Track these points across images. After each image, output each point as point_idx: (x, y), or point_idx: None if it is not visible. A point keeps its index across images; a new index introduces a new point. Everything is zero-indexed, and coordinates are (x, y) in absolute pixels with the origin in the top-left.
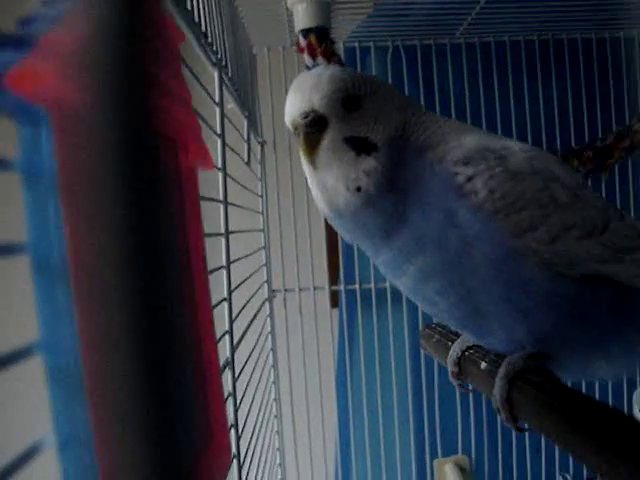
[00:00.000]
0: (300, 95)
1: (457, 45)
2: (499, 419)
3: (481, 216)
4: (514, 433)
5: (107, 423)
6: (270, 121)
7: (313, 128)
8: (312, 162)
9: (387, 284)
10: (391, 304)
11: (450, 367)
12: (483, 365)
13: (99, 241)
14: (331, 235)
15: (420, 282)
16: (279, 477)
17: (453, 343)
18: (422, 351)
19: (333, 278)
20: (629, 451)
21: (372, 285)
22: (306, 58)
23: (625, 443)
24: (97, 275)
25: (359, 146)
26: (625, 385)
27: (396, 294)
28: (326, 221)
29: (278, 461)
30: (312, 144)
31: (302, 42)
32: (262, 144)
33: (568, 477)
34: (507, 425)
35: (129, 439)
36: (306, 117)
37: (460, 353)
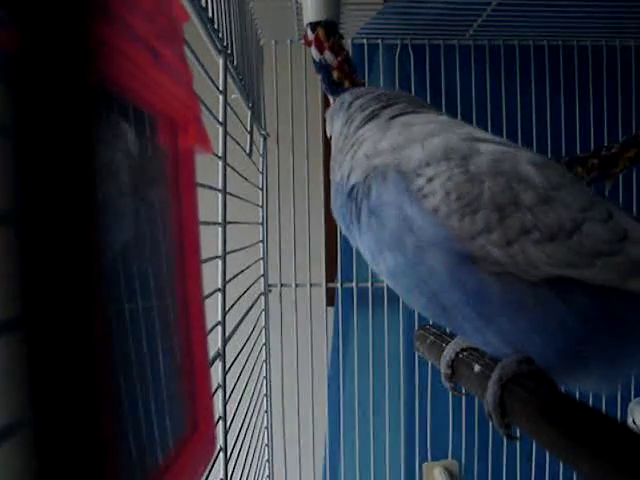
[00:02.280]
0: None
1: (466, 47)
2: (491, 424)
3: (435, 220)
4: (505, 439)
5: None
6: (274, 114)
7: None
8: None
9: (384, 284)
10: (387, 304)
11: (443, 369)
12: (476, 368)
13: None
14: (330, 232)
15: (392, 280)
16: (266, 473)
17: (447, 345)
18: (416, 353)
19: (330, 275)
20: (623, 460)
21: (369, 284)
22: (313, 52)
23: (619, 452)
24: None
25: None
26: (619, 395)
27: (393, 294)
28: (326, 217)
29: (266, 457)
30: None
31: (310, 35)
32: (265, 137)
33: None
34: (499, 431)
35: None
36: None
37: (454, 355)
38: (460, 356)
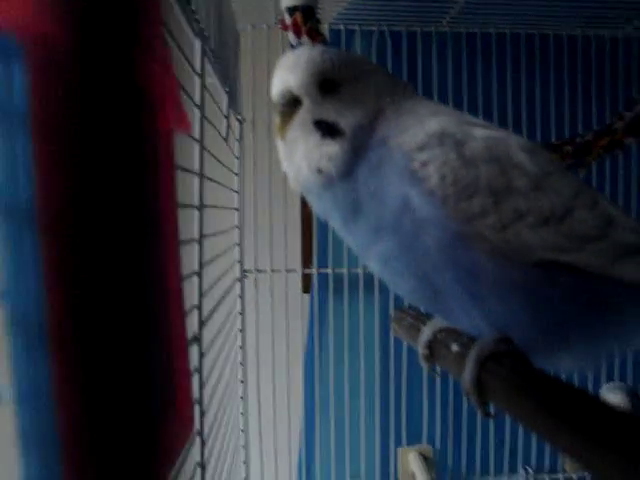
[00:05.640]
0: (280, 75)
1: (443, 34)
2: (464, 410)
3: (432, 202)
4: (479, 424)
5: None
6: (250, 99)
7: (287, 107)
8: (282, 138)
9: (360, 270)
10: (363, 290)
11: (421, 349)
12: (454, 348)
13: (69, 185)
14: (306, 218)
15: (382, 264)
16: (242, 459)
17: (425, 326)
18: (392, 338)
19: (306, 261)
20: (599, 432)
21: (345, 270)
22: (290, 36)
23: (595, 425)
24: (66, 222)
25: (326, 130)
26: (591, 381)
27: (369, 280)
28: (302, 203)
29: (242, 443)
30: (284, 122)
31: (287, 20)
32: (241, 122)
33: (529, 470)
34: (475, 408)
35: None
36: (283, 96)
37: (431, 336)
38: (438, 337)
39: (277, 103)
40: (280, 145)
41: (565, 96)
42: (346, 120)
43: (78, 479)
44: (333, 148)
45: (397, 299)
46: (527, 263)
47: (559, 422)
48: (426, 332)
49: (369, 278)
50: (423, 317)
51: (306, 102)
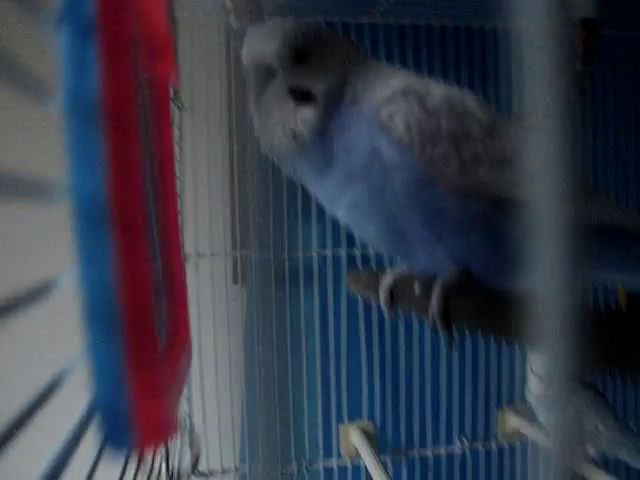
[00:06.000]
0: (253, 46)
1: (375, 25)
2: (402, 385)
3: (400, 149)
4: (416, 399)
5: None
6: (189, 86)
7: (261, 78)
8: (257, 107)
9: (300, 254)
10: (303, 273)
11: (382, 294)
12: (417, 287)
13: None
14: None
15: (351, 210)
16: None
17: (384, 275)
18: (331, 319)
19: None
20: None
21: (285, 256)
22: (232, 20)
23: None
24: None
25: (299, 96)
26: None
27: (308, 265)
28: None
29: (188, 427)
30: (258, 91)
31: (228, 3)
32: (180, 108)
33: (465, 440)
34: (443, 335)
35: None
36: (257, 67)
37: (392, 282)
38: (399, 282)
39: (251, 73)
40: (254, 114)
41: (490, 86)
42: (318, 86)
43: (135, 352)
44: (308, 112)
45: (336, 281)
46: (485, 201)
47: (521, 322)
48: (387, 278)
49: (308, 262)
50: (379, 272)
51: (280, 72)
